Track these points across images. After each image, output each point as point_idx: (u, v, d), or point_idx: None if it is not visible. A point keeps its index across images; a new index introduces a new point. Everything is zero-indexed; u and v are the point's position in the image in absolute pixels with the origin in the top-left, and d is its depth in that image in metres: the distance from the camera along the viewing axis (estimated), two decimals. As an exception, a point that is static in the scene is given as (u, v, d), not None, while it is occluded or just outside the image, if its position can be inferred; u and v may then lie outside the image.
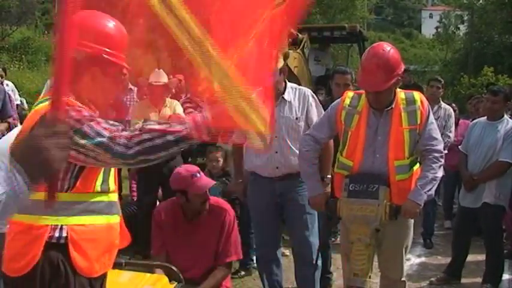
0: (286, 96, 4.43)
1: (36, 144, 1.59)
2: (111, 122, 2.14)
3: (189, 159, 6.96)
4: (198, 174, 4.09)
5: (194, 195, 4.05)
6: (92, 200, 2.30)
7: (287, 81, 4.53)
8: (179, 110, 6.28)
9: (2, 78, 7.86)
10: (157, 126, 2.08)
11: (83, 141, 2.06)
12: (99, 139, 2.06)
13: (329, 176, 4.35)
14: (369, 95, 3.79)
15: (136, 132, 2.08)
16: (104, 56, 2.31)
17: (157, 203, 6.26)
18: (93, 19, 2.36)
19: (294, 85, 4.65)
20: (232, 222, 4.24)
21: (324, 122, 4.12)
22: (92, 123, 2.10)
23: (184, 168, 4.21)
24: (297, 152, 4.32)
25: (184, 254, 4.15)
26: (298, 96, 4.47)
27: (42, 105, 2.24)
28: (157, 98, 6.20)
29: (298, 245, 4.60)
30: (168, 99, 6.31)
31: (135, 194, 7.32)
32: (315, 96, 4.59)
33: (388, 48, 3.72)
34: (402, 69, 3.76)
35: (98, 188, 2.31)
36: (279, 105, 4.41)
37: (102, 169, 2.31)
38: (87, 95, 2.35)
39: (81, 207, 2.25)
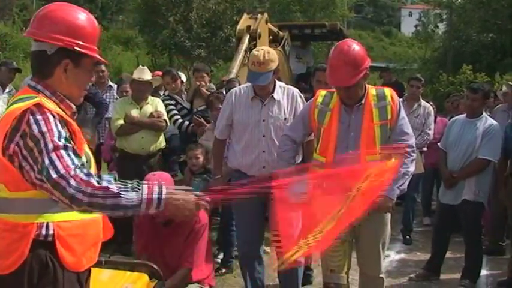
0: (275, 95, 4.43)
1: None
2: (72, 156, 2.14)
3: (173, 157, 6.93)
4: None
5: None
6: None
7: (275, 79, 4.52)
8: (161, 107, 6.25)
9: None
10: (112, 186, 2.11)
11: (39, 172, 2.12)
12: (52, 174, 2.09)
13: None
14: (340, 91, 3.84)
15: (93, 182, 2.09)
16: (76, 48, 2.30)
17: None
18: (64, 11, 2.34)
19: (282, 84, 4.65)
20: (201, 231, 4.26)
21: (298, 122, 4.17)
22: (53, 154, 2.11)
23: (148, 179, 4.13)
24: None
25: (160, 256, 4.19)
26: (286, 95, 4.47)
27: (17, 106, 2.23)
28: (140, 94, 6.16)
29: None
30: (150, 97, 6.27)
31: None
32: (302, 95, 4.59)
33: (352, 44, 3.79)
34: (368, 64, 3.81)
35: None
36: (268, 104, 4.41)
37: None
38: (61, 89, 2.35)
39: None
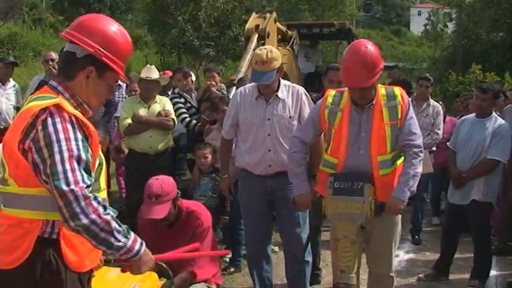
0: (280, 94, 4.42)
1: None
2: (83, 172, 2.19)
3: (180, 155, 6.94)
4: (153, 199, 4.04)
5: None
6: None
7: (280, 78, 4.51)
8: (168, 106, 6.26)
9: None
10: (113, 224, 2.21)
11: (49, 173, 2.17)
12: (62, 184, 2.14)
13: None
14: (354, 92, 3.81)
15: (100, 211, 2.17)
16: (103, 58, 2.35)
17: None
18: (103, 22, 2.42)
19: (287, 82, 4.65)
20: (204, 235, 4.24)
21: (308, 123, 4.14)
22: (67, 164, 2.16)
23: (149, 184, 4.16)
24: None
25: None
26: (291, 94, 4.46)
27: (36, 103, 2.27)
28: (148, 93, 6.18)
29: (289, 243, 4.59)
30: (158, 96, 6.29)
31: (123, 190, 7.29)
32: (307, 93, 4.58)
33: (368, 45, 3.76)
34: (383, 65, 3.80)
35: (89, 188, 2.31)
36: (273, 103, 4.41)
37: (94, 169, 2.33)
38: (80, 94, 2.39)
39: None
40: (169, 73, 8.23)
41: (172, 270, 4.03)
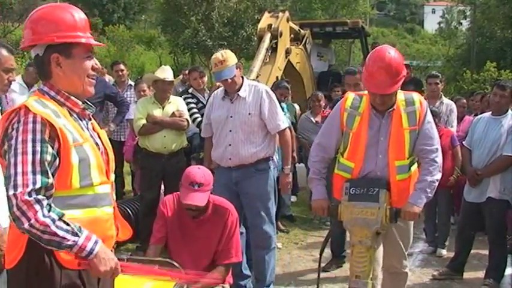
0: (241, 93, 4.79)
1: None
2: (36, 175, 2.18)
3: (192, 155, 6.96)
4: (196, 186, 4.05)
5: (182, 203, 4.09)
6: (72, 195, 2.32)
7: (244, 78, 4.93)
8: (182, 106, 6.28)
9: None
10: (53, 227, 2.17)
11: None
12: (9, 188, 2.16)
13: (288, 167, 4.96)
14: (375, 97, 3.76)
15: (39, 215, 2.15)
16: (56, 40, 2.35)
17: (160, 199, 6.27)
18: (39, 12, 2.43)
19: (253, 82, 5.06)
20: (235, 224, 4.23)
21: (329, 127, 4.08)
22: (19, 166, 2.17)
23: (193, 172, 4.17)
24: (249, 144, 4.75)
25: (185, 251, 4.15)
26: (253, 92, 4.82)
27: (12, 108, 2.32)
28: (164, 94, 6.20)
29: (253, 232, 4.88)
30: (171, 96, 6.31)
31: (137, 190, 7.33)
32: (270, 92, 4.91)
33: (391, 51, 3.72)
34: (405, 73, 3.77)
35: (77, 184, 2.32)
36: (235, 101, 4.79)
37: (77, 166, 2.31)
38: (63, 86, 2.40)
39: (61, 204, 2.27)
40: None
41: (195, 265, 4.03)
